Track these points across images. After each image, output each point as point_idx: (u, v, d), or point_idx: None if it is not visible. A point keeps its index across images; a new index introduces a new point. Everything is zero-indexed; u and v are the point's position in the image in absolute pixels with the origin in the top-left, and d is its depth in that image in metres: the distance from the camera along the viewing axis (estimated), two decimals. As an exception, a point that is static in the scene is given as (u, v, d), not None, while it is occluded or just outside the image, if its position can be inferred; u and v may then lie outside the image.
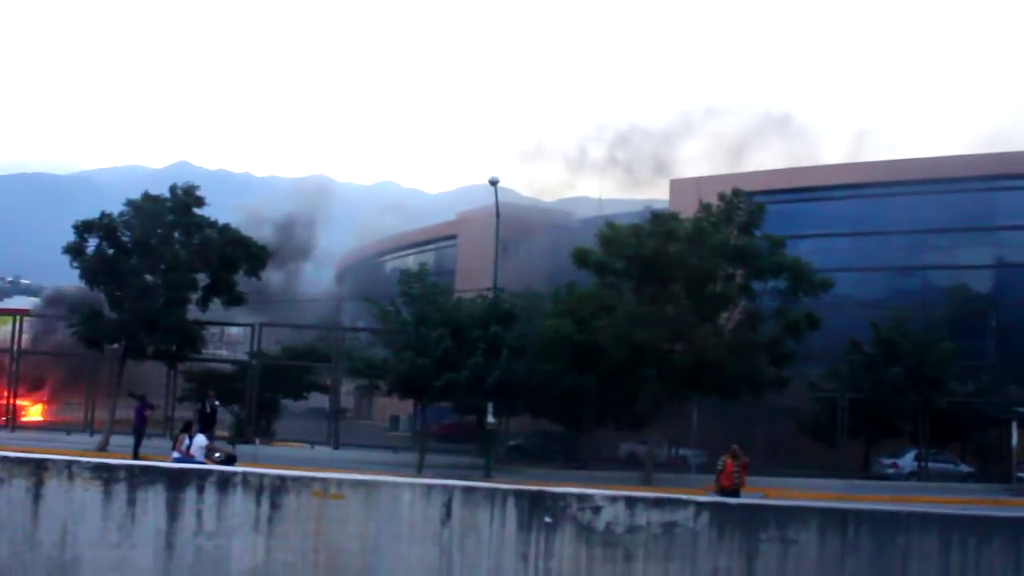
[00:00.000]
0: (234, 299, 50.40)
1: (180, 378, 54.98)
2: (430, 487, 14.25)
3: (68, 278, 54.94)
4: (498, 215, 49.06)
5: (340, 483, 14.24)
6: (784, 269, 46.73)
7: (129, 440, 43.15)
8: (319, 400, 62.27)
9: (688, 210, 49.42)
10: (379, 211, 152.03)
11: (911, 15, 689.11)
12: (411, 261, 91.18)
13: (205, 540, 14.06)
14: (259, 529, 14.04)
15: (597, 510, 14.04)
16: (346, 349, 54.69)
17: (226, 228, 50.07)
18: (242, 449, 42.45)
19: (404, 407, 64.29)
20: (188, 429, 33.79)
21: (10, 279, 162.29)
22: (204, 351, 56.10)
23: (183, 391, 54.82)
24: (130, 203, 48.08)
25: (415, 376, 46.10)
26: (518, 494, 14.22)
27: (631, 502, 14.20)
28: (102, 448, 44.77)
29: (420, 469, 44.28)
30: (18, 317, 59.38)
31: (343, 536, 14.01)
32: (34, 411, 63.84)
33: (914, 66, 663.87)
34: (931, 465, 54.94)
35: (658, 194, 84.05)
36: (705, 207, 47.63)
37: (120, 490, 14.11)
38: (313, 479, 14.39)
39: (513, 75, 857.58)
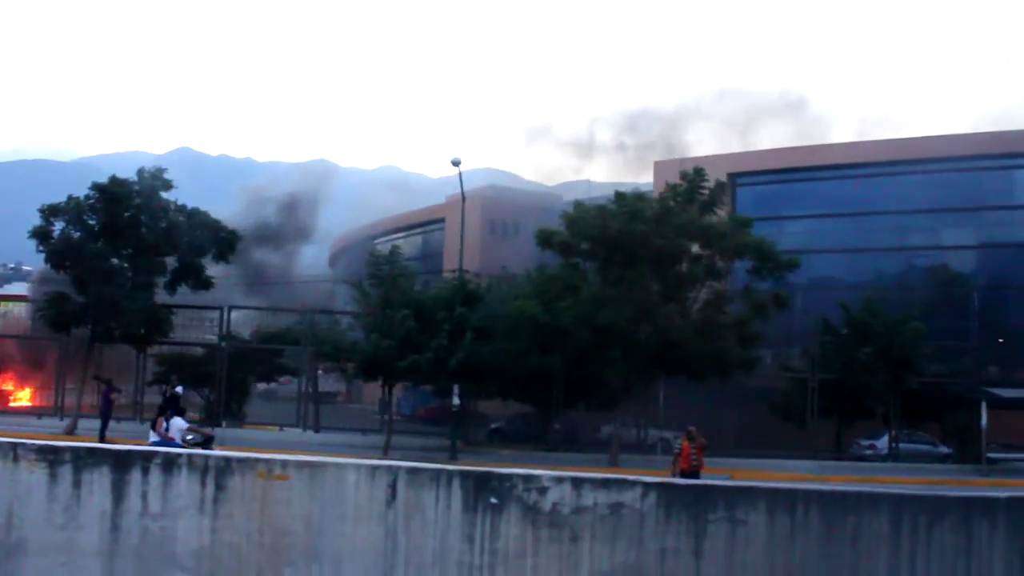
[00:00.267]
0: (202, 283, 50.34)
1: (151, 362, 54.93)
2: (375, 468, 14.17)
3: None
4: (463, 198, 49.30)
5: (285, 464, 14.15)
6: (748, 249, 46.65)
7: (98, 424, 43.06)
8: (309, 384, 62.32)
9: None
10: (380, 190, 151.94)
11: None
12: (402, 244, 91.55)
13: (151, 521, 13.96)
14: (204, 510, 13.95)
15: (543, 491, 13.98)
16: (323, 332, 54.55)
17: (195, 212, 50.07)
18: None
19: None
20: (165, 412, 33.70)
21: (12, 265, 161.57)
22: (203, 336, 56.27)
23: (154, 375, 54.76)
24: (95, 186, 47.97)
25: (379, 358, 46.19)
26: (464, 475, 14.16)
27: (578, 483, 14.14)
28: (70, 432, 44.61)
29: (386, 451, 44.41)
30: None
31: (288, 517, 13.93)
32: (22, 396, 63.77)
33: (926, 46, 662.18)
34: (909, 446, 55.19)
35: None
36: (672, 187, 47.46)
37: (66, 472, 14.00)
38: (258, 460, 14.31)
39: (519, 58, 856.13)
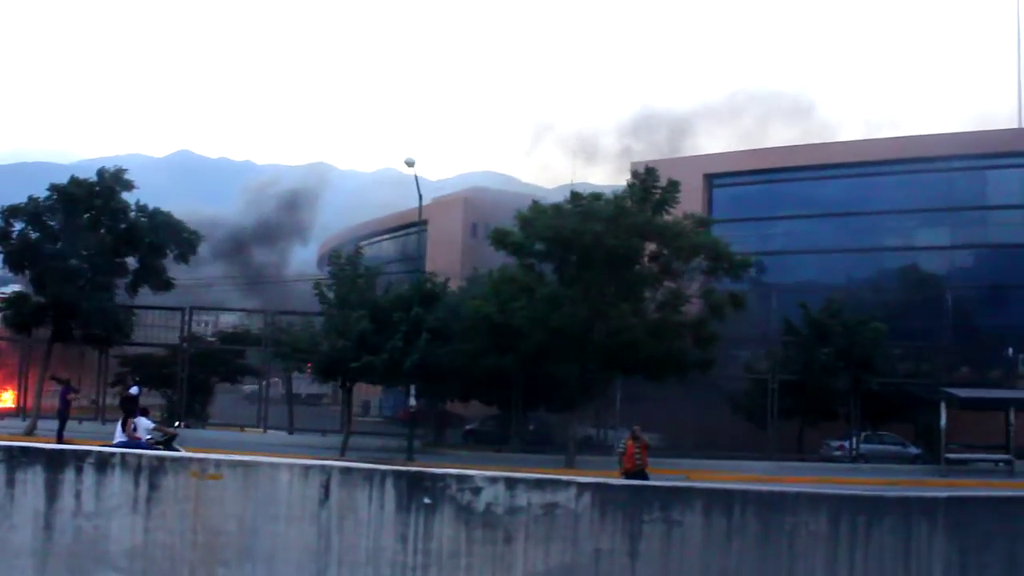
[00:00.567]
0: (162, 284, 50.27)
1: (115, 363, 54.86)
2: (308, 468, 14.12)
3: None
4: (420, 197, 49.59)
5: (218, 464, 14.10)
6: (702, 249, 46.64)
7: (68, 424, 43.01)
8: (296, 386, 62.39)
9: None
10: (377, 191, 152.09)
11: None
12: (386, 246, 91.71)
13: (84, 521, 13.91)
14: (137, 510, 13.90)
15: (477, 491, 13.97)
16: (282, 332, 54.50)
17: (157, 213, 49.98)
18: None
19: (375, 392, 64.83)
20: (131, 413, 33.69)
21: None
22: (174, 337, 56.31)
23: (116, 376, 54.67)
24: (53, 187, 47.92)
25: (335, 358, 46.28)
26: (397, 475, 14.14)
27: (511, 483, 14.13)
28: (29, 432, 44.60)
29: (343, 451, 44.53)
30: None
31: (221, 517, 13.88)
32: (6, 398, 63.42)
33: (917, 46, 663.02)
34: (879, 448, 55.44)
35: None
36: (629, 187, 47.45)
37: (-1, 471, 13.96)
38: (192, 460, 14.28)
39: (523, 61, 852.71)
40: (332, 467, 14.16)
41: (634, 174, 47.88)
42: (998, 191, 71.49)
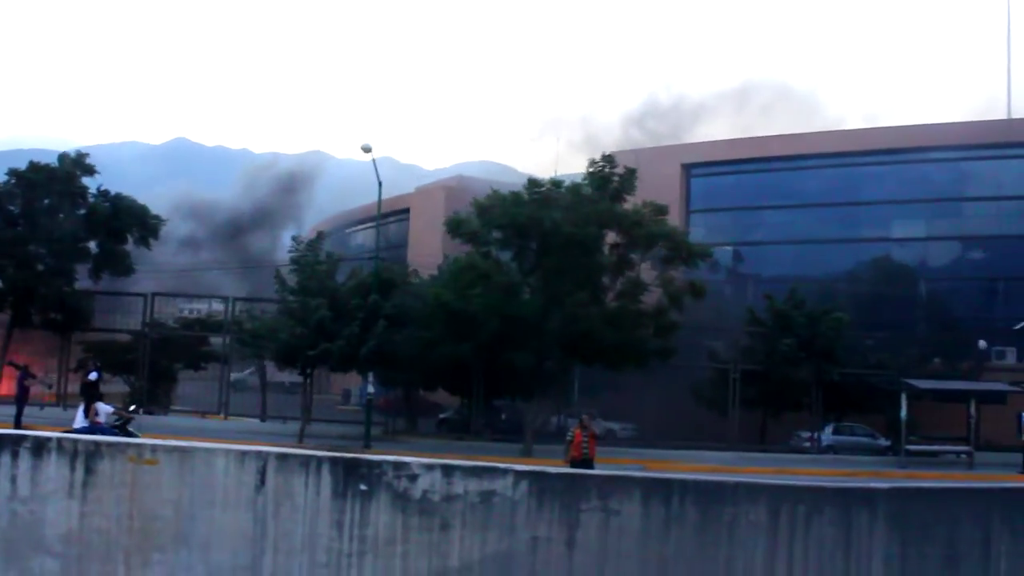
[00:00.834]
0: (123, 270, 50.10)
1: (78, 348, 54.65)
2: (244, 453, 14.08)
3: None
4: (380, 184, 49.48)
5: (155, 449, 14.05)
6: (660, 237, 46.61)
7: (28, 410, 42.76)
8: (275, 375, 62.27)
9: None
10: (372, 180, 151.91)
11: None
12: (371, 234, 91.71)
13: (20, 505, 13.84)
14: (73, 495, 13.84)
15: (413, 478, 13.95)
16: (253, 319, 54.37)
17: (120, 198, 49.75)
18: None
19: (355, 380, 64.71)
20: (94, 398, 33.59)
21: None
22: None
23: (78, 362, 54.44)
24: (12, 172, 47.70)
25: (294, 345, 46.28)
26: (333, 461, 14.10)
27: (448, 470, 14.11)
28: (-12, 418, 44.27)
29: (300, 438, 44.55)
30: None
31: (157, 502, 13.84)
32: None
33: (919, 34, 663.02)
34: (848, 439, 55.71)
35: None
36: (588, 174, 47.36)
37: (-65, 456, 13.89)
38: (128, 445, 14.26)
39: (524, 52, 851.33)
40: (268, 453, 14.10)
41: (592, 161, 47.78)
42: (976, 183, 71.80)
